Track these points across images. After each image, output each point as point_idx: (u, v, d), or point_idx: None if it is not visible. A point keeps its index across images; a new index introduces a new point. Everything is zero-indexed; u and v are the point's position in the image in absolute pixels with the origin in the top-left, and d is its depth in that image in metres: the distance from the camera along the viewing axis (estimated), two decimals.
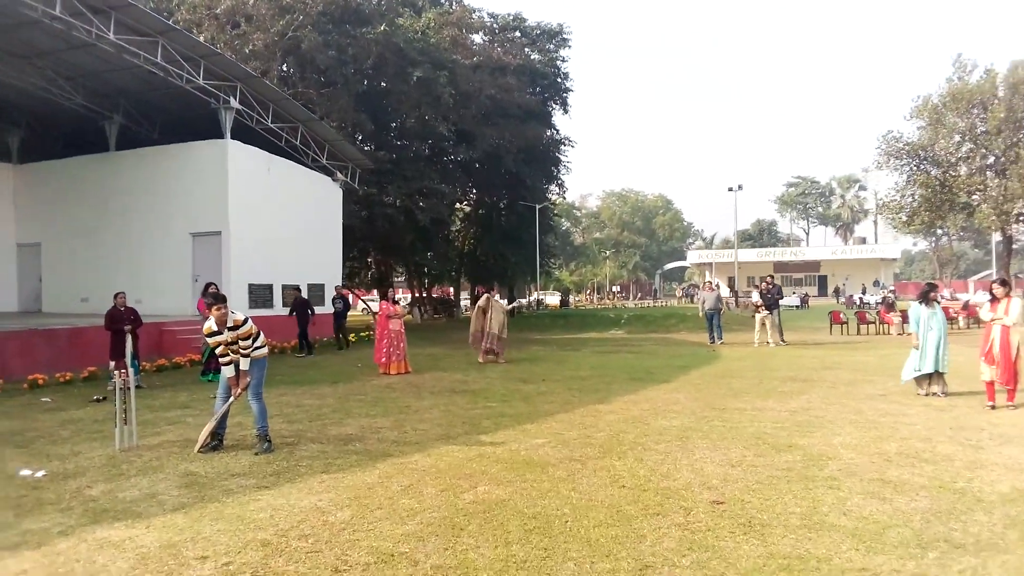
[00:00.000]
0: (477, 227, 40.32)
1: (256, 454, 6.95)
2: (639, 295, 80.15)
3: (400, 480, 5.97)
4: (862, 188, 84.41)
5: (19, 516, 5.18)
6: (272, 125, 20.57)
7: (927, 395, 10.00)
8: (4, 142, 22.64)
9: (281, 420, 8.70)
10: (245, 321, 6.96)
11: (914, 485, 5.63)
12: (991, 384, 9.16)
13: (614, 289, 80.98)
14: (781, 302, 20.46)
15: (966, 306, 26.52)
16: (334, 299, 20.88)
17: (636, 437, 7.52)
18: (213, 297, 6.99)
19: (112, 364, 12.02)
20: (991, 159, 25.60)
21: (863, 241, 75.72)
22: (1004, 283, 9.64)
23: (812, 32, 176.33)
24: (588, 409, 9.38)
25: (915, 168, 27.59)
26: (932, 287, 10.66)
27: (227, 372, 7.14)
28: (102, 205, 20.69)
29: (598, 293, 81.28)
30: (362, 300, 40.62)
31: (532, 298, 53.70)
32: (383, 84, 29.12)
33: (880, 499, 5.28)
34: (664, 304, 52.75)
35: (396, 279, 43.06)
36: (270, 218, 20.28)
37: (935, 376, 10.07)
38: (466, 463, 6.53)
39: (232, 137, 19.20)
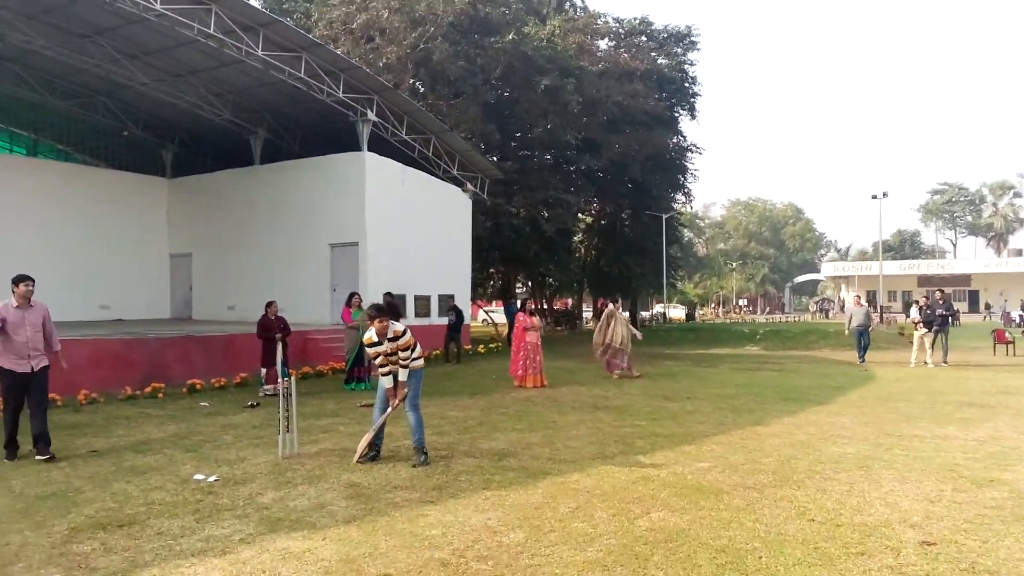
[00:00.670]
0: (599, 237, 39.78)
1: (414, 466, 6.89)
2: (768, 309, 77.19)
3: (566, 501, 5.71)
4: (1017, 195, 78.17)
5: (200, 521, 5.27)
6: (406, 136, 20.99)
7: None
8: (159, 157, 24.32)
9: (431, 432, 8.62)
10: (404, 332, 6.93)
11: None
12: None
13: (740, 303, 78.33)
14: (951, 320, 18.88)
15: None
16: (448, 310, 20.71)
17: (810, 464, 6.95)
18: (376, 309, 6.99)
19: (263, 371, 12.49)
20: None
21: (1019, 253, 69.83)
22: None
23: (954, 26, 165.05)
24: (746, 431, 8.83)
25: None
26: None
27: (385, 383, 7.13)
28: (248, 216, 21.76)
29: (723, 306, 78.85)
30: (483, 311, 40.94)
31: (655, 311, 52.63)
32: (508, 93, 29.28)
33: None
34: (797, 319, 50.44)
35: (519, 290, 43.21)
36: (404, 228, 20.68)
37: None
38: (631, 486, 6.19)
39: (367, 149, 19.72)
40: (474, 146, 24.72)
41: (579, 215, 37.29)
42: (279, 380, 7.47)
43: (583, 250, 41.12)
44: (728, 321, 51.05)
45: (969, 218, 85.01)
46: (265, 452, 7.61)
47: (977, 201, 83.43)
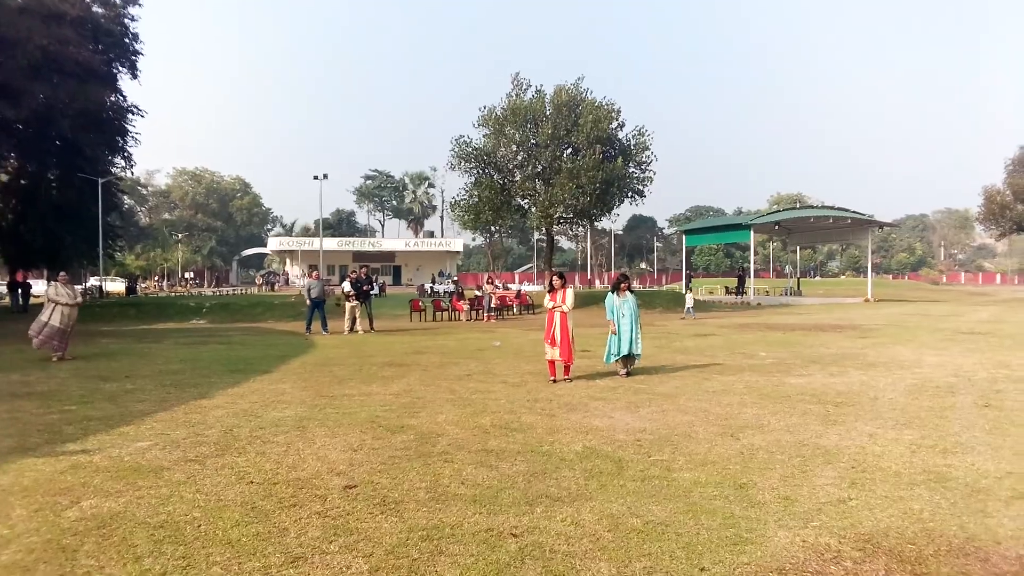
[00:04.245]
0: (19, 200, 34.14)
1: None
2: (215, 282, 76.10)
3: None
4: (431, 186, 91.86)
5: None
6: None
7: (625, 375, 11.09)
8: None
9: None
10: None
11: (511, 452, 6.46)
12: (553, 362, 10.82)
13: (187, 276, 75.55)
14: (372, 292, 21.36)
15: (519, 294, 30.70)
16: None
17: (252, 431, 7.30)
18: None
19: None
20: (540, 168, 29.91)
21: (432, 234, 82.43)
22: (561, 276, 11.39)
23: (388, 42, 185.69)
24: (190, 405, 8.78)
25: (481, 172, 30.95)
26: (624, 278, 11.69)
27: None
28: None
29: (169, 280, 75.04)
30: None
31: (89, 284, 47.57)
32: None
33: (488, 467, 5.96)
34: (244, 292, 50.98)
35: None
36: None
37: (629, 358, 11.24)
38: (58, 476, 5.67)
39: None
40: None
41: None
42: None
43: None
44: (174, 295, 48.96)
45: (394, 202, 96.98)
46: None
47: (400, 188, 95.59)
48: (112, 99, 33.57)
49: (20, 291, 32.98)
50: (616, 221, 80.00)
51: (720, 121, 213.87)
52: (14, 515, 4.76)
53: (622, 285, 11.40)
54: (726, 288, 49.01)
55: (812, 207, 51.62)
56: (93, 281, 48.92)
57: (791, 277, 59.28)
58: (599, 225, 64.43)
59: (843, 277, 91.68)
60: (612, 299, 11.31)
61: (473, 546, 4.24)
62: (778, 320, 25.42)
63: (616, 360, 11.27)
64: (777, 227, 46.12)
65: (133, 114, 35.39)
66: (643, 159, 31.17)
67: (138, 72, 34.71)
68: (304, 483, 5.50)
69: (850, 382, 10.56)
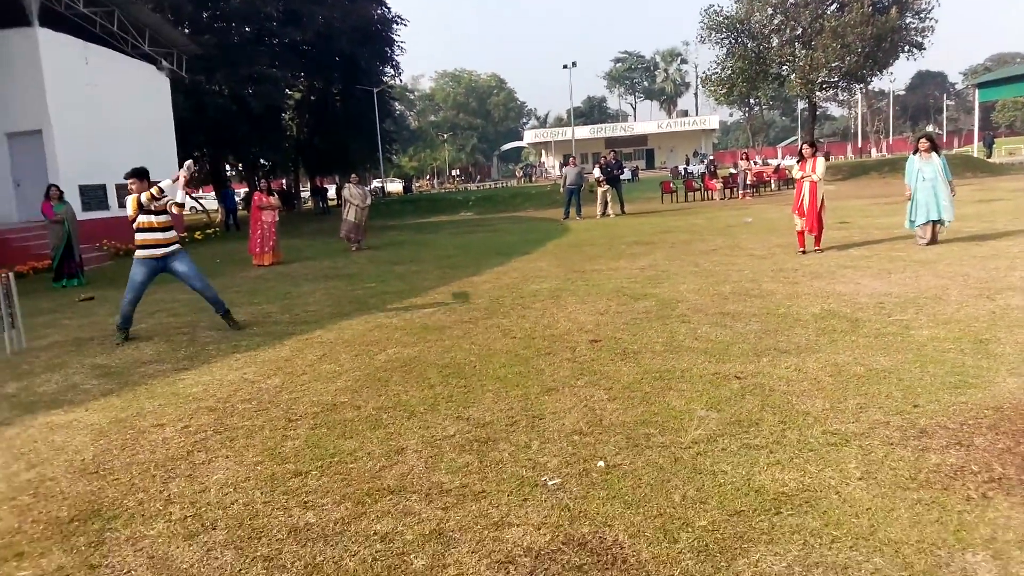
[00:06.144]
0: (311, 114, 38.85)
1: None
2: (479, 177, 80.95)
3: (313, 351, 6.51)
4: (683, 62, 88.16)
5: None
6: (84, 10, 18.76)
7: (926, 243, 10.33)
8: None
9: (165, 315, 8.86)
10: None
11: (747, 314, 6.85)
12: (802, 233, 10.74)
13: (454, 173, 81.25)
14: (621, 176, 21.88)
15: (777, 169, 29.40)
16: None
17: (514, 299, 8.40)
18: (134, 172, 7.31)
19: None
20: (799, 31, 27.79)
21: (685, 114, 79.77)
22: (812, 145, 11.10)
23: None
24: (464, 282, 10.16)
25: (734, 41, 29.48)
26: (927, 138, 10.74)
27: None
28: None
29: (438, 178, 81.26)
30: (191, 198, 38.49)
31: (373, 185, 53.26)
32: None
33: (722, 326, 6.44)
34: (505, 184, 53.93)
35: (229, 173, 41.09)
36: (95, 113, 18.84)
37: (936, 223, 10.38)
38: (368, 333, 7.14)
39: (40, 25, 17.43)
40: (164, 19, 22.71)
41: (288, 91, 36.05)
42: (3, 277, 7.18)
43: (295, 128, 39.95)
44: (444, 191, 53.19)
45: (645, 83, 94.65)
46: None
47: (652, 68, 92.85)
48: (378, 12, 36.36)
49: (319, 195, 38.11)
50: (895, 80, 71.53)
51: None
52: (340, 358, 6.21)
53: (922, 146, 10.48)
54: None
55: None
56: (375, 183, 54.70)
57: None
58: (873, 87, 58.21)
59: None
60: (913, 161, 10.49)
61: (699, 384, 4.83)
62: None
63: (919, 226, 10.41)
64: None
65: (397, 24, 38.15)
66: (921, 7, 27.64)
67: None
68: (557, 338, 6.40)
69: None
